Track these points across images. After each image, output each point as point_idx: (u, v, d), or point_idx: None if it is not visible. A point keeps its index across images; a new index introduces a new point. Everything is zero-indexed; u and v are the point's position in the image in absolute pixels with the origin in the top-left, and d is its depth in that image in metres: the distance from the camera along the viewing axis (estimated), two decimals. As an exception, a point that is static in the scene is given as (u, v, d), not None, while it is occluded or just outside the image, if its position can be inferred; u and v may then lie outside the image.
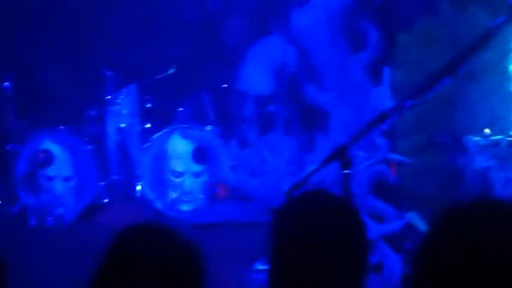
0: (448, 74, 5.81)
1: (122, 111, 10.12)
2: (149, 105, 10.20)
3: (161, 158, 9.83)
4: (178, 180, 9.76)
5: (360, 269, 3.12)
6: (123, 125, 10.12)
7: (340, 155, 5.37)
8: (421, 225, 8.70)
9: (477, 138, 8.61)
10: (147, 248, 2.83)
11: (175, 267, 2.87)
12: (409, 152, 9.37)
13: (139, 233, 2.90)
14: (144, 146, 9.86)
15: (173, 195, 9.77)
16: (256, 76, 10.11)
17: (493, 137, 8.54)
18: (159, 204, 9.62)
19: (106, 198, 9.92)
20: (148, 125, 10.13)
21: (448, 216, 2.56)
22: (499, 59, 8.61)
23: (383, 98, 9.31)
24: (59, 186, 9.70)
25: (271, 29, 10.06)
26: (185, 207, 9.72)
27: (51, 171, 9.63)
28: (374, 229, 7.87)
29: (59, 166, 9.71)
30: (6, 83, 9.49)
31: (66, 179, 9.73)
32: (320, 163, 5.83)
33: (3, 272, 3.45)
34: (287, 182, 9.24)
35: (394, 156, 9.20)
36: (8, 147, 9.73)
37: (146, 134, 9.99)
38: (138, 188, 9.76)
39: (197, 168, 9.78)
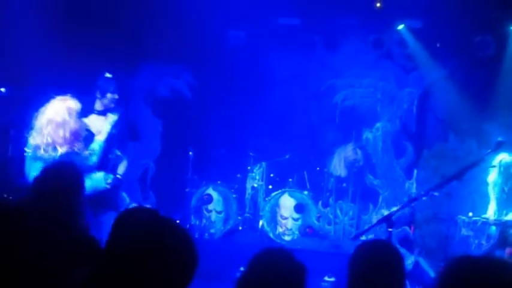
0: (456, 179, 7.35)
1: (256, 177, 11.64)
2: (272, 175, 11.66)
3: (275, 207, 11.27)
4: (284, 221, 11.26)
5: None
6: (255, 185, 11.63)
7: (388, 220, 6.55)
8: (425, 265, 10.21)
9: (463, 217, 9.84)
10: (280, 259, 3.47)
11: (295, 273, 3.46)
12: (422, 221, 10.87)
13: (274, 251, 3.55)
14: (267, 198, 11.32)
15: (280, 230, 11.24)
16: (338, 164, 11.72)
17: (473, 218, 9.74)
18: (271, 234, 11.09)
19: (241, 227, 11.48)
20: (270, 187, 11.57)
21: (456, 266, 2.98)
22: (479, 171, 9.42)
23: (412, 188, 11.28)
24: (214, 216, 11.42)
25: (350, 138, 11.72)
26: (286, 238, 11.17)
27: (210, 206, 11.39)
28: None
29: (215, 204, 11.39)
30: (190, 153, 11.05)
31: (219, 212, 11.41)
32: (375, 223, 7.25)
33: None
34: (350, 231, 11.32)
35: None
36: (186, 190, 11.33)
37: (268, 192, 11.45)
38: (261, 223, 11.18)
39: (296, 215, 11.26)
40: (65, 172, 4.82)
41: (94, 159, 7.61)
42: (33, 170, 6.98)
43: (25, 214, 3.17)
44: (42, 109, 7.27)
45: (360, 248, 3.91)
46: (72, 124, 7.29)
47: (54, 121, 7.22)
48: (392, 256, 3.86)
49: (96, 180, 7.64)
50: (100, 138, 7.79)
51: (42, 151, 7.17)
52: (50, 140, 7.16)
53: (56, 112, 7.25)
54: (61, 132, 7.21)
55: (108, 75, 8.21)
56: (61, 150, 7.21)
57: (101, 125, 7.91)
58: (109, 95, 8.07)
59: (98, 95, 8.07)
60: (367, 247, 3.93)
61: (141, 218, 3.78)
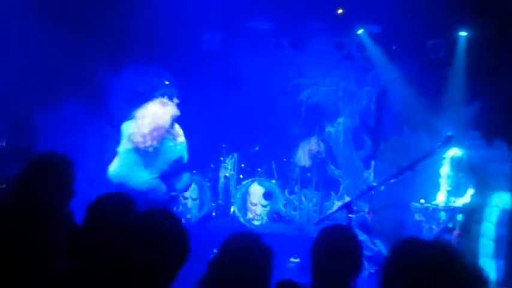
0: (409, 169, 7.20)
1: (228, 167, 11.63)
2: (243, 165, 11.71)
3: (246, 194, 11.33)
4: (253, 208, 11.31)
5: (359, 269, 3.81)
6: (228, 174, 11.61)
7: (348, 206, 6.57)
8: (382, 247, 10.29)
9: (416, 204, 9.93)
10: (249, 243, 3.51)
11: (264, 248, 3.51)
12: (379, 208, 10.89)
13: (243, 235, 3.59)
14: (238, 186, 11.35)
15: (250, 215, 11.29)
16: (302, 156, 11.80)
17: (425, 204, 9.78)
18: (242, 220, 11.09)
19: (214, 212, 11.49)
20: (241, 176, 11.53)
21: (399, 248, 3.04)
22: (430, 163, 9.36)
23: (370, 177, 11.39)
24: (190, 203, 11.39)
25: (314, 132, 11.82)
26: (256, 223, 11.21)
27: (186, 194, 11.26)
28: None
29: (191, 192, 11.28)
30: None
31: (194, 199, 11.36)
32: (336, 209, 7.27)
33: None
34: (315, 216, 11.38)
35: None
36: None
37: (240, 180, 11.49)
38: (232, 209, 11.19)
39: (265, 202, 11.34)
40: (55, 161, 4.60)
41: (185, 160, 8.13)
42: (125, 158, 7.80)
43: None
44: (145, 105, 7.91)
45: (322, 232, 3.92)
46: (166, 124, 7.81)
47: (149, 117, 7.73)
48: (351, 240, 3.89)
49: (187, 179, 8.46)
50: (182, 140, 8.14)
51: (135, 139, 7.75)
52: (142, 131, 7.68)
53: (154, 110, 7.82)
54: (153, 128, 7.74)
55: (167, 82, 8.65)
56: (151, 143, 7.72)
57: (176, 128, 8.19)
58: (175, 100, 8.45)
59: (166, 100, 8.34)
60: (328, 232, 3.94)
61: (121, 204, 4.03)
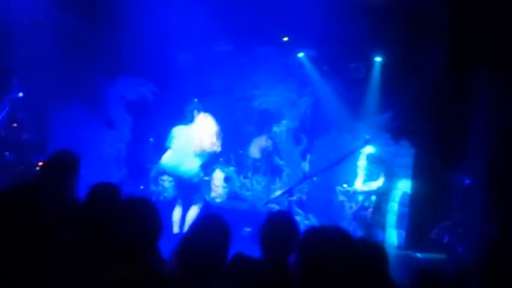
0: (336, 165, 7.91)
1: None
2: None
3: (211, 179, 11.40)
4: (216, 189, 11.47)
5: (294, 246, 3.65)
6: None
7: (289, 191, 6.92)
8: (315, 222, 10.23)
9: (340, 188, 10.08)
10: (212, 222, 3.54)
11: (224, 228, 3.55)
12: (312, 190, 10.94)
13: (209, 216, 3.64)
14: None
15: (213, 194, 11.44)
16: (254, 149, 12.11)
17: (347, 188, 9.95)
18: (207, 197, 10.83)
19: None
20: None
21: (307, 234, 3.20)
22: (352, 158, 9.26)
23: (306, 167, 11.46)
24: (167, 184, 11.19)
25: (264, 131, 12.18)
26: (218, 200, 11.34)
27: (164, 177, 11.14)
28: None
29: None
30: (151, 139, 11.06)
31: (170, 181, 10.87)
32: (281, 193, 7.58)
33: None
34: (263, 196, 11.42)
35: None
36: (147, 165, 11.41)
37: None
38: None
39: (225, 185, 11.56)
40: (65, 157, 4.94)
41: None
42: (176, 152, 9.08)
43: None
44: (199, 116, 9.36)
45: (268, 218, 3.99)
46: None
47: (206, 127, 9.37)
48: (291, 225, 3.96)
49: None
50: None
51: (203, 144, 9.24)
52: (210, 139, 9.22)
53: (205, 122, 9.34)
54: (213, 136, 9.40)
55: (196, 99, 9.51)
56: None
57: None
58: (201, 113, 9.52)
59: (196, 113, 9.47)
60: (273, 218, 4.00)
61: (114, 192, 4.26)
